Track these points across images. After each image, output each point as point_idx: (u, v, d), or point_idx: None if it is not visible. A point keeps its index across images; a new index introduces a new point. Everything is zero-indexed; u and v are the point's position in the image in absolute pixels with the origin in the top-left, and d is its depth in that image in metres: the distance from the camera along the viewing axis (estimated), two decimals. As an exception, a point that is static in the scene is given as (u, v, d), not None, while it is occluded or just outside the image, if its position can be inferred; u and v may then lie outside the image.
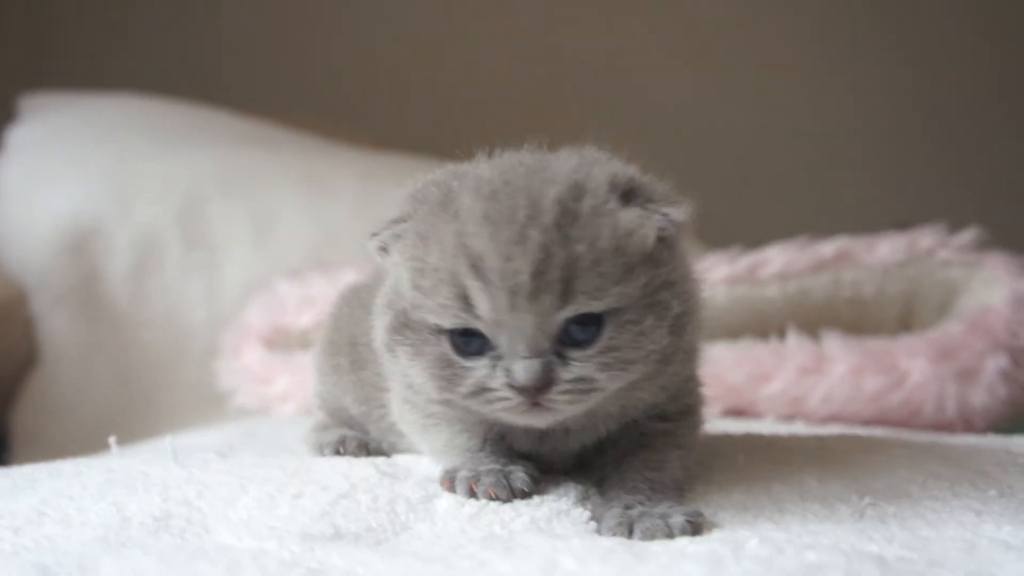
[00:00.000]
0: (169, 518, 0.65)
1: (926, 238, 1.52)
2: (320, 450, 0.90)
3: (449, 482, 0.73)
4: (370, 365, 0.85)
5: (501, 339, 0.68)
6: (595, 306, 0.67)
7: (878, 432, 1.22)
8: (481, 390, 0.68)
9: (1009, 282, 1.47)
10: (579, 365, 0.68)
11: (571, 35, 2.78)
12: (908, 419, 1.42)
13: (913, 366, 1.40)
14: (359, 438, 0.90)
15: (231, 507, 0.67)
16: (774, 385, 1.42)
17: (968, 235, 1.52)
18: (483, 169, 0.72)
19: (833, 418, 1.42)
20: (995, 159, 2.73)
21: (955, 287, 1.52)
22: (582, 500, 0.73)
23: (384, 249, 0.74)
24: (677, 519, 0.67)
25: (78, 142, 2.08)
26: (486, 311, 0.67)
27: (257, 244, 1.97)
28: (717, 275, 1.50)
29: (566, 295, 0.66)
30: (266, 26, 2.76)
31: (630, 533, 0.67)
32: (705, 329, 0.80)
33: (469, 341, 0.69)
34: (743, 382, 1.43)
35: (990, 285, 1.49)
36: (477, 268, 0.66)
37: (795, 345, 1.44)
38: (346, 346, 0.91)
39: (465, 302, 0.67)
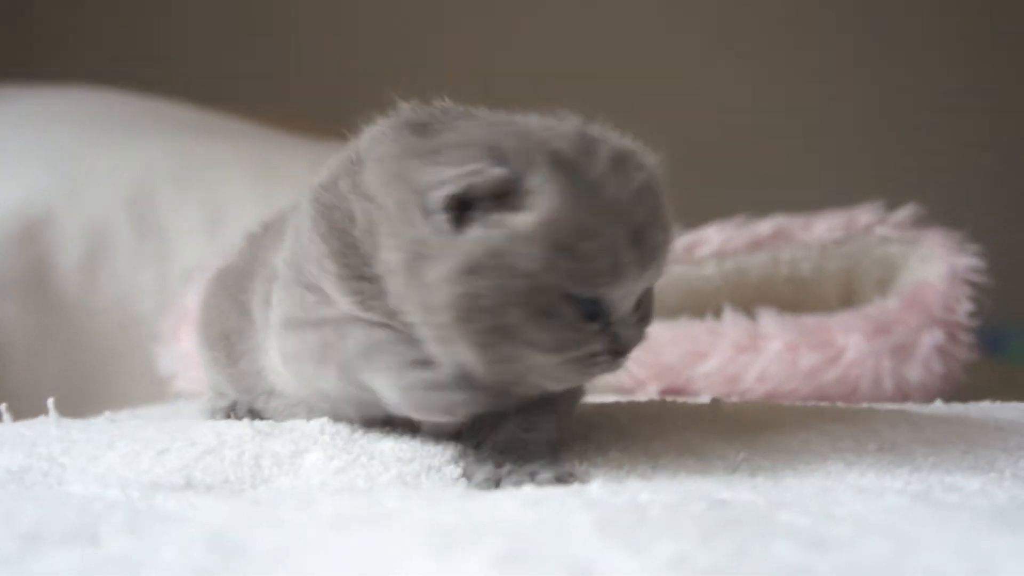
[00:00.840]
0: (26, 471, 0.65)
1: (864, 215, 1.52)
2: (212, 415, 0.89)
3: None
4: (247, 355, 0.84)
5: (619, 306, 0.69)
6: None
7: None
8: (592, 354, 0.69)
9: (946, 258, 1.46)
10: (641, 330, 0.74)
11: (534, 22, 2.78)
12: (846, 395, 1.41)
13: (849, 342, 1.39)
14: (251, 405, 0.89)
15: (94, 462, 0.67)
16: (710, 363, 1.42)
17: (906, 212, 1.51)
18: (574, 129, 0.70)
19: (771, 396, 1.41)
20: (939, 139, 2.74)
21: (894, 264, 1.52)
22: (456, 459, 0.73)
23: (462, 206, 0.65)
24: (545, 475, 0.66)
25: (26, 132, 2.08)
26: (630, 280, 0.68)
27: (209, 233, 1.96)
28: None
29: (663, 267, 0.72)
30: (228, 16, 2.76)
31: (497, 487, 0.66)
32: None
33: (589, 308, 0.68)
34: (679, 360, 1.42)
35: (928, 261, 1.49)
36: (637, 239, 0.67)
37: (731, 323, 1.43)
38: (219, 340, 0.90)
39: (616, 271, 0.67)
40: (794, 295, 1.51)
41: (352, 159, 0.74)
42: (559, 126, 0.70)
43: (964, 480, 0.64)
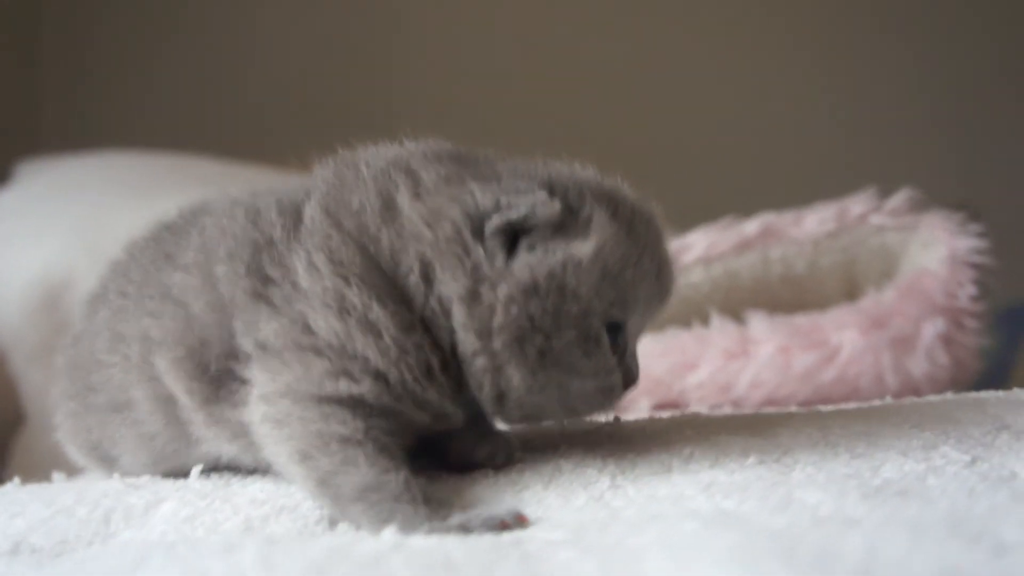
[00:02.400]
0: None
1: (857, 205, 1.45)
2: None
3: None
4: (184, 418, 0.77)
5: (632, 340, 0.74)
6: None
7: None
8: (615, 386, 0.72)
9: (947, 241, 1.39)
10: None
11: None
12: (848, 395, 1.34)
13: (844, 339, 1.33)
14: None
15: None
16: (699, 373, 1.36)
17: (901, 197, 1.44)
18: (597, 175, 0.75)
19: (768, 402, 1.35)
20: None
21: (894, 253, 1.44)
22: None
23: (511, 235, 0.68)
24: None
25: (53, 201, 2.13)
26: (651, 312, 0.74)
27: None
28: (639, 265, 1.45)
29: None
30: (253, 69, 2.79)
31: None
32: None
33: (614, 338, 0.71)
34: (667, 373, 1.37)
35: (929, 247, 1.41)
36: (660, 274, 0.74)
37: (719, 329, 1.38)
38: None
39: (646, 300, 0.73)
40: (793, 295, 1.45)
41: (386, 201, 0.71)
42: (586, 172, 0.75)
43: (810, 496, 0.58)
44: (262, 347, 0.71)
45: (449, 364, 0.70)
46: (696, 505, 0.60)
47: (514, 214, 0.68)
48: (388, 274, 0.70)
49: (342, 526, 0.64)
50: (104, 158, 2.37)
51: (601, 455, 0.72)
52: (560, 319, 0.67)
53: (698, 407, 1.35)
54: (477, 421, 0.76)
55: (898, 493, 0.57)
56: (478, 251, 0.68)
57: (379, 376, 0.68)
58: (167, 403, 0.76)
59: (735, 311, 1.42)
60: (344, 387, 0.68)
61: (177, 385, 0.75)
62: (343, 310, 0.68)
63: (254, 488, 0.71)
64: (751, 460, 0.67)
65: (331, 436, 0.67)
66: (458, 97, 2.54)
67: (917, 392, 1.33)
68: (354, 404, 0.69)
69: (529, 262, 0.68)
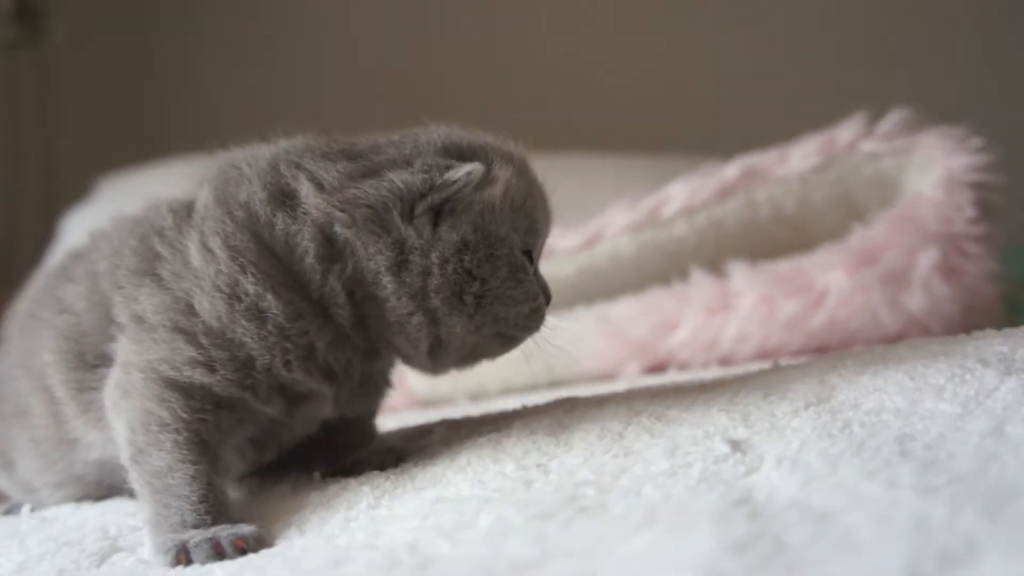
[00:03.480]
0: None
1: (845, 132, 1.34)
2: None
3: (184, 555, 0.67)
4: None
5: (536, 260, 0.80)
6: None
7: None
8: (541, 304, 0.79)
9: (943, 161, 1.27)
10: None
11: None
12: (844, 341, 1.25)
13: (830, 280, 1.23)
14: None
15: None
16: (681, 332, 1.29)
17: (892, 119, 1.33)
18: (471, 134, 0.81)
19: (759, 355, 1.27)
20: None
21: (891, 180, 1.33)
22: None
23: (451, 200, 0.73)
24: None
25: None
26: (545, 234, 0.81)
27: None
28: (617, 224, 1.39)
29: None
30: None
31: None
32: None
33: (530, 262, 0.78)
34: (649, 334, 1.31)
35: (925, 169, 1.30)
36: (545, 202, 0.80)
37: (699, 284, 1.30)
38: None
39: (544, 224, 0.80)
40: (791, 237, 1.35)
41: (272, 193, 0.74)
42: (464, 131, 0.80)
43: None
44: (138, 320, 0.74)
45: (339, 342, 0.74)
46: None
47: (452, 191, 0.72)
48: (283, 260, 0.72)
49: (114, 558, 0.63)
50: (174, 167, 2.43)
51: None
52: (493, 261, 0.74)
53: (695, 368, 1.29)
54: (355, 428, 0.82)
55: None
56: (404, 228, 0.72)
57: (245, 363, 0.71)
58: (53, 404, 0.80)
59: (726, 261, 1.33)
60: (198, 376, 0.71)
61: (55, 378, 0.79)
62: (234, 296, 0.71)
63: (56, 526, 0.70)
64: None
65: (156, 418, 0.72)
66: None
67: (927, 330, 1.23)
68: (197, 393, 0.72)
69: (453, 224, 0.73)
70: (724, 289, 1.28)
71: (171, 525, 0.69)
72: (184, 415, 0.71)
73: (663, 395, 0.74)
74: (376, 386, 0.81)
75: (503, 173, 0.75)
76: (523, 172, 0.79)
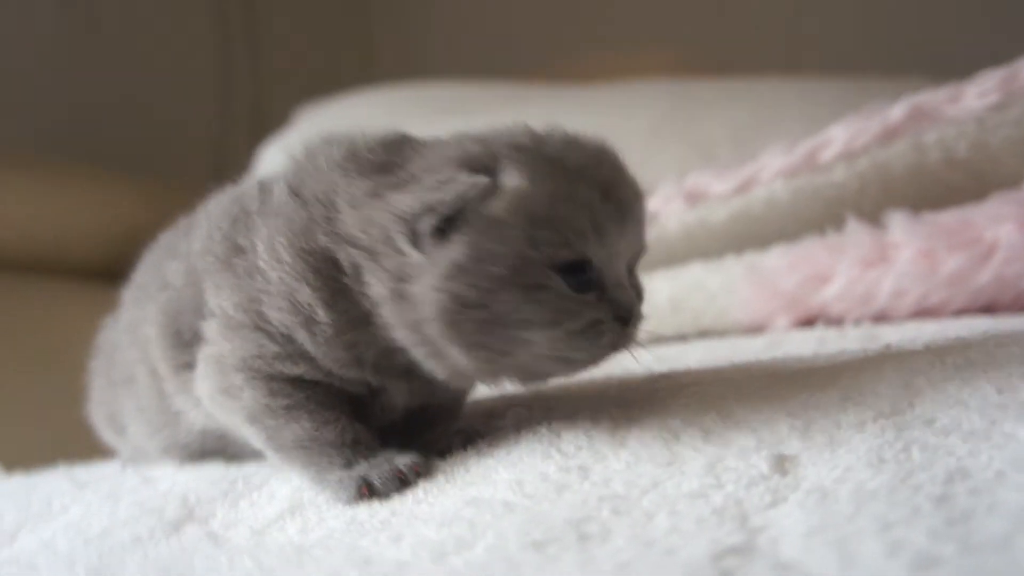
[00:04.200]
0: None
1: (1030, 67, 1.21)
2: None
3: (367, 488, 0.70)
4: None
5: (610, 271, 0.69)
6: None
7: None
8: (594, 323, 0.68)
9: None
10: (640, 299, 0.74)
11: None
12: (1016, 299, 1.15)
13: (1000, 234, 1.13)
14: None
15: None
16: (834, 286, 1.22)
17: (1087, 51, 1.18)
18: (524, 126, 0.73)
19: (918, 312, 1.19)
20: None
21: (1084, 120, 1.19)
22: None
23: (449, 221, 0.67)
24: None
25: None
26: (612, 237, 0.68)
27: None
28: (771, 169, 1.31)
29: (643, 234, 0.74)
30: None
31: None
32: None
33: (578, 277, 0.68)
34: (799, 287, 1.24)
35: None
36: (607, 195, 0.68)
37: (854, 234, 1.22)
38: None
39: (596, 227, 0.68)
40: (965, 183, 1.24)
41: (318, 196, 0.73)
42: (511, 129, 0.73)
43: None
44: (224, 313, 0.75)
45: (391, 351, 0.71)
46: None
47: (446, 209, 0.66)
48: (335, 270, 0.71)
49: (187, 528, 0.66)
50: (371, 96, 2.46)
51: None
52: (492, 283, 0.65)
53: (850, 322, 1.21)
54: (439, 408, 0.80)
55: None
56: (408, 252, 0.67)
57: (314, 362, 0.73)
58: (156, 377, 0.84)
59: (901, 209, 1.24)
60: (288, 369, 0.74)
61: (156, 354, 0.83)
62: (294, 307, 0.72)
63: (150, 489, 0.74)
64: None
65: (277, 406, 0.74)
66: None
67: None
68: (296, 380, 0.74)
69: (453, 244, 0.66)
70: (881, 240, 1.20)
71: (339, 467, 0.72)
72: (299, 394, 0.73)
73: (747, 384, 0.70)
74: None
75: (514, 182, 0.66)
76: (559, 172, 0.68)
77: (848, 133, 1.27)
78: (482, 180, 0.66)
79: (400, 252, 0.67)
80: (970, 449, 0.50)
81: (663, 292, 1.35)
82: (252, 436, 0.76)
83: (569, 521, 0.50)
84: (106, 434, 0.98)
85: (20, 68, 2.31)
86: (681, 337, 1.35)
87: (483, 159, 0.68)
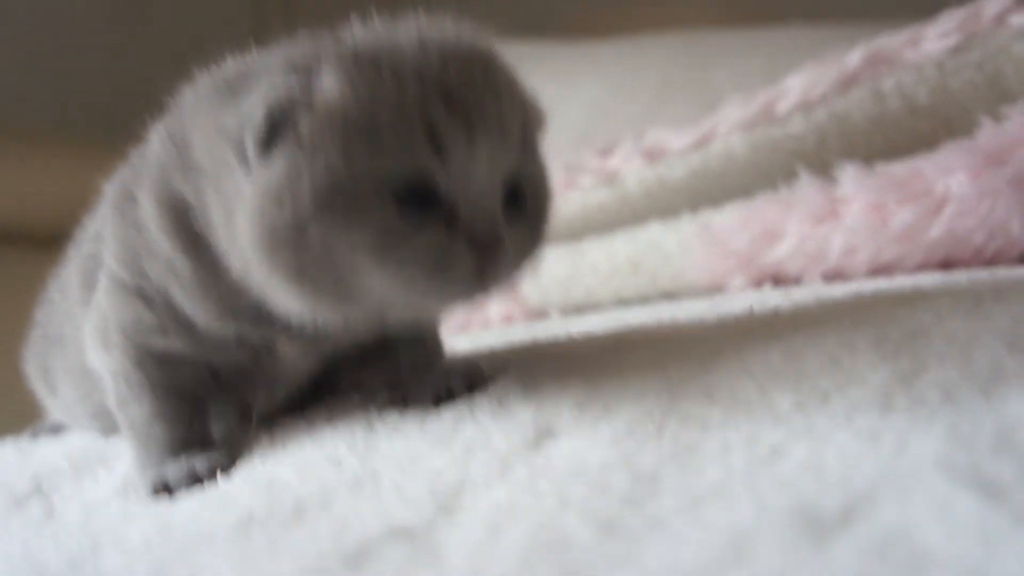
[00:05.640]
0: None
1: (990, 5, 1.13)
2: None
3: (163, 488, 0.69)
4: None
5: (461, 192, 0.60)
6: (532, 173, 0.66)
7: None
8: (435, 252, 0.59)
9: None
10: (517, 236, 0.64)
11: None
12: (974, 256, 1.08)
13: (951, 185, 1.06)
14: None
15: None
16: (785, 244, 1.17)
17: (1052, -17, 1.10)
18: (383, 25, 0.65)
19: (873, 270, 1.13)
20: None
21: (1052, 60, 1.11)
22: None
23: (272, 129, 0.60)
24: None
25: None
26: (460, 153, 0.59)
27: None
28: (729, 122, 1.26)
29: (522, 149, 0.64)
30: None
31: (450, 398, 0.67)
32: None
33: (420, 199, 0.59)
34: (750, 245, 1.19)
35: (1087, 46, 1.07)
36: (452, 104, 0.59)
37: (804, 189, 1.16)
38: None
39: (436, 140, 0.59)
40: (930, 130, 1.17)
41: (174, 137, 0.69)
42: (360, 27, 0.65)
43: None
44: (111, 269, 0.73)
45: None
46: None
47: (257, 120, 0.59)
48: (190, 215, 0.67)
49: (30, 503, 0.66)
50: None
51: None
52: (307, 210, 0.57)
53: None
54: (411, 347, 0.73)
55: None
56: (244, 174, 0.61)
57: (188, 323, 0.70)
58: (80, 331, 0.82)
59: (865, 160, 1.18)
60: (161, 342, 0.72)
61: (74, 296, 0.82)
62: (163, 261, 0.69)
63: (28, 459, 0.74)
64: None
65: (134, 379, 0.73)
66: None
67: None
68: (166, 356, 0.73)
69: (265, 168, 0.59)
70: (831, 195, 1.14)
71: (154, 463, 0.71)
72: (160, 374, 0.72)
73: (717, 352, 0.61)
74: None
75: (327, 95, 0.58)
76: (375, 80, 0.58)
77: (805, 82, 1.21)
78: (278, 87, 0.59)
79: (235, 176, 0.62)
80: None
81: (622, 253, 1.31)
82: (109, 394, 0.75)
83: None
84: (37, 386, 0.98)
85: (59, 50, 2.35)
86: (644, 299, 1.31)
87: (306, 62, 0.60)
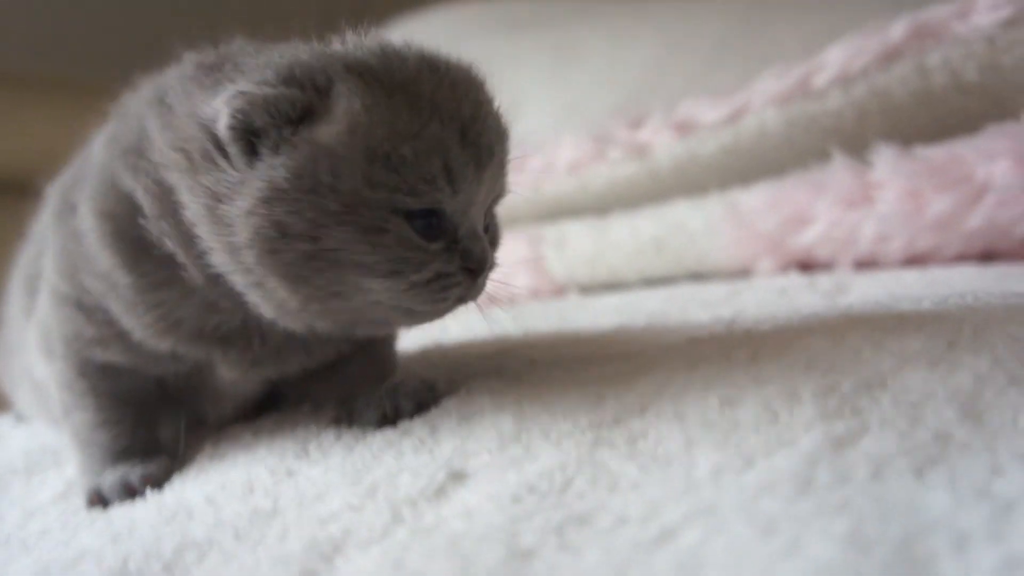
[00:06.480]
0: None
1: (1048, -24, 1.03)
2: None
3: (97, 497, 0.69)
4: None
5: (463, 219, 0.63)
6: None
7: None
8: (438, 276, 0.61)
9: None
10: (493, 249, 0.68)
11: None
12: (1015, 248, 1.00)
13: (993, 172, 0.98)
14: None
15: None
16: (814, 228, 1.10)
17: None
18: (378, 42, 0.65)
19: (907, 258, 1.06)
20: None
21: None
22: None
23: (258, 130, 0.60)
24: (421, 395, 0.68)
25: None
26: (468, 184, 0.62)
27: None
28: (763, 96, 1.18)
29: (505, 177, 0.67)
30: None
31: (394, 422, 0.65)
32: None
33: (429, 223, 0.61)
34: (778, 229, 1.13)
35: None
36: (466, 137, 0.61)
37: (837, 172, 1.09)
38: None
39: (450, 174, 0.61)
40: (981, 109, 1.08)
41: (121, 139, 0.68)
42: (363, 43, 0.64)
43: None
44: (51, 281, 0.72)
45: (211, 308, 0.66)
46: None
47: (240, 120, 0.58)
48: (134, 224, 0.65)
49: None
50: (456, 14, 2.38)
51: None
52: (321, 217, 0.57)
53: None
54: (360, 361, 0.73)
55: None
56: (221, 165, 0.60)
57: (124, 336, 0.69)
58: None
59: (904, 141, 1.10)
60: (101, 355, 0.71)
61: (18, 303, 0.82)
62: (101, 274, 0.67)
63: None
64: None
65: (78, 388, 0.73)
66: None
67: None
68: (106, 367, 0.72)
69: (271, 164, 0.58)
70: (864, 178, 1.06)
71: (95, 471, 0.71)
72: (104, 383, 0.72)
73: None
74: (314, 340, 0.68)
75: (351, 109, 0.58)
76: (409, 107, 0.59)
77: (845, 55, 1.13)
78: (291, 93, 0.58)
79: (217, 167, 0.60)
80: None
81: (647, 232, 1.25)
82: (56, 402, 0.75)
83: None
84: (4, 382, 0.97)
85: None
86: (670, 279, 1.26)
87: (313, 74, 0.60)
